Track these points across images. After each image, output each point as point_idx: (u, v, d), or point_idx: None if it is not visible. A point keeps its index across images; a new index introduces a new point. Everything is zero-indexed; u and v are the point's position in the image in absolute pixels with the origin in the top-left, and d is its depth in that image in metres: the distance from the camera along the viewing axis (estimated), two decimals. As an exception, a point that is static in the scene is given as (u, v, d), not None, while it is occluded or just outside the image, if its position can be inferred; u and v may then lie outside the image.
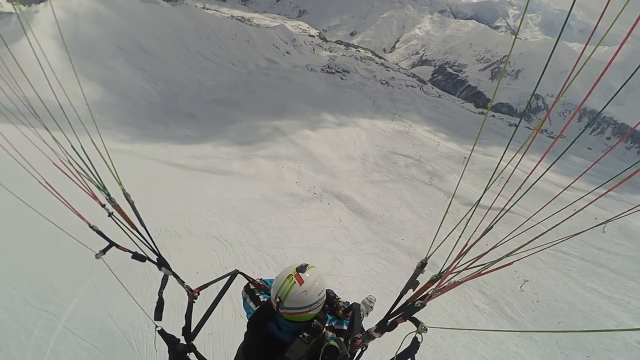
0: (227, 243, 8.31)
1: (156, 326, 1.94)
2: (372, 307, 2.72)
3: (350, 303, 2.26)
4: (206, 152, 17.51)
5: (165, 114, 25.39)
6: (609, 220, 1.36)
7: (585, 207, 1.44)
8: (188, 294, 2.11)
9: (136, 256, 1.95)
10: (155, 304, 2.01)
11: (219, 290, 2.24)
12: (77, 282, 6.29)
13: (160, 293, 1.98)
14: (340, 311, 2.20)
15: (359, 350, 2.02)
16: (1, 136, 1.93)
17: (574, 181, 1.37)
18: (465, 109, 44.14)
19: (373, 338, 1.90)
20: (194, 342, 2.01)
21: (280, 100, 27.17)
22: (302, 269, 1.89)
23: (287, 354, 1.74)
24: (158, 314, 2.01)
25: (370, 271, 8.89)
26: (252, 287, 2.32)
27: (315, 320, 1.89)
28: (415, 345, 1.68)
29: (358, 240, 10.31)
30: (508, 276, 9.78)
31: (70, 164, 1.63)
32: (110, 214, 1.85)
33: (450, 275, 1.52)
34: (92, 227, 1.83)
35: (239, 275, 2.30)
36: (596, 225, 1.76)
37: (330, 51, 62.98)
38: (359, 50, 74.32)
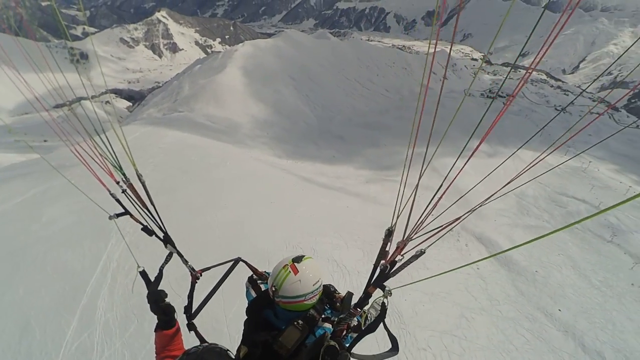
0: (345, 270, 7.93)
1: (138, 266, 2.01)
2: (379, 311, 2.55)
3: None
4: (347, 172, 18.00)
5: (319, 135, 27.62)
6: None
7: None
8: (191, 274, 2.17)
9: (145, 229, 2.05)
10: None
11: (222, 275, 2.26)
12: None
13: (161, 268, 2.06)
14: (339, 304, 2.20)
15: (351, 335, 2.02)
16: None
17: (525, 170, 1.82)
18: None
19: (354, 315, 1.94)
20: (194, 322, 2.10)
21: (429, 125, 25.97)
22: (298, 259, 1.98)
23: (280, 338, 1.81)
24: (155, 286, 2.09)
25: (506, 342, 6.94)
26: (255, 277, 2.35)
27: (311, 310, 1.94)
28: (383, 309, 1.87)
29: (496, 298, 8.34)
30: None
31: (94, 148, 1.85)
32: (123, 191, 1.96)
33: (412, 243, 1.63)
34: (111, 194, 1.98)
35: (247, 275, 2.33)
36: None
37: (494, 74, 57.37)
38: (529, 73, 65.18)
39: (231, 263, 2.35)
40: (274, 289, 1.93)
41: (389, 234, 1.85)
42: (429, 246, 1.66)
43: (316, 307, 1.99)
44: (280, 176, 14.30)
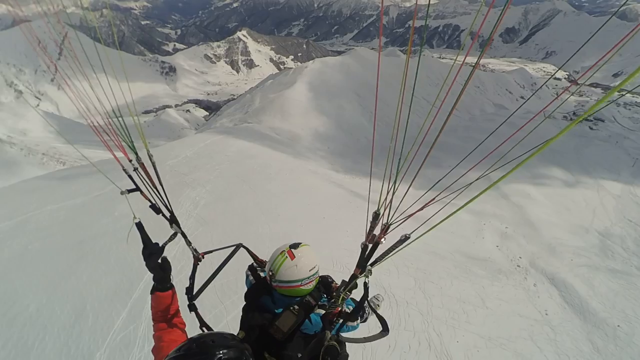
0: (394, 300, 7.30)
1: (134, 216, 2.01)
2: (378, 306, 2.72)
3: None
4: (408, 193, 17.34)
5: (379, 153, 27.21)
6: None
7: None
8: (194, 255, 2.21)
9: (153, 207, 2.09)
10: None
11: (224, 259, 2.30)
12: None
13: (163, 246, 2.10)
14: (335, 293, 2.18)
15: (342, 322, 2.01)
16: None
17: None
18: None
19: (344, 299, 1.98)
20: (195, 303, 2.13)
21: (500, 148, 24.11)
22: (295, 246, 2.03)
23: (276, 322, 1.85)
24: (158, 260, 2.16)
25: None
26: (255, 265, 2.37)
27: (307, 297, 1.97)
28: (365, 289, 1.91)
29: (566, 352, 7.03)
30: None
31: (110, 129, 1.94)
32: (135, 169, 2.05)
33: (394, 225, 1.75)
34: (124, 169, 2.06)
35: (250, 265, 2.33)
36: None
37: (581, 95, 52.06)
38: (622, 94, 58.06)
39: (233, 248, 2.40)
40: (271, 273, 1.98)
41: (376, 217, 1.86)
42: (413, 231, 1.68)
43: (312, 294, 2.02)
44: (335, 192, 14.22)
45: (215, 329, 1.92)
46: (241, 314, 2.07)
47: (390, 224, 1.78)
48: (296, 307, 1.91)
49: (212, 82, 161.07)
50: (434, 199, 1.68)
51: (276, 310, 1.96)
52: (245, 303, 2.12)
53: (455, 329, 6.89)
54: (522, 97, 47.81)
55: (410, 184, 1.89)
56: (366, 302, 2.04)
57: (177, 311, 2.09)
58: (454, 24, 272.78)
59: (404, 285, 8.01)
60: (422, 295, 7.72)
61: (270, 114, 31.46)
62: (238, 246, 2.43)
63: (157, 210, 2.14)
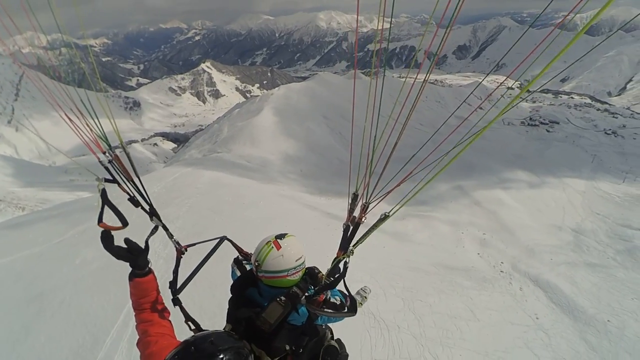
0: (384, 325, 6.95)
1: (98, 178, 1.90)
2: (366, 298, 2.80)
3: None
4: (383, 208, 17.37)
5: (355, 171, 27.41)
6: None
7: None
8: (177, 249, 2.15)
9: (132, 200, 1.98)
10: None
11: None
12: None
13: (146, 240, 2.01)
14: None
15: (325, 311, 1.98)
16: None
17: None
18: None
19: (327, 285, 1.97)
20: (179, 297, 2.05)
21: (467, 157, 24.94)
22: (280, 236, 2.01)
23: (263, 314, 1.82)
24: (142, 259, 2.03)
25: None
26: (240, 258, 2.35)
27: (294, 288, 1.94)
28: (344, 268, 1.97)
29: (563, 355, 6.96)
30: None
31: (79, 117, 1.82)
32: (110, 161, 1.95)
33: (373, 204, 1.84)
34: (100, 162, 1.98)
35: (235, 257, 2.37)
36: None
37: (534, 102, 55.51)
38: (572, 97, 62.26)
39: (217, 241, 2.37)
40: (257, 264, 1.96)
41: (355, 198, 1.91)
42: (392, 210, 1.73)
43: (299, 285, 1.99)
44: (312, 215, 13.99)
45: (201, 323, 1.96)
46: (227, 306, 2.05)
47: (369, 203, 1.81)
48: (283, 298, 1.89)
49: (179, 114, 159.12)
50: (410, 172, 1.74)
51: (263, 303, 1.94)
52: (231, 296, 2.09)
53: (451, 349, 6.67)
54: (480, 108, 50.25)
55: (385, 166, 1.93)
56: (345, 286, 2.09)
57: (159, 298, 1.96)
58: (409, 45, 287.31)
59: (393, 307, 7.74)
60: (412, 316, 7.49)
61: (239, 142, 31.19)
62: (222, 239, 2.40)
63: (136, 204, 2.03)
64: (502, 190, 17.92)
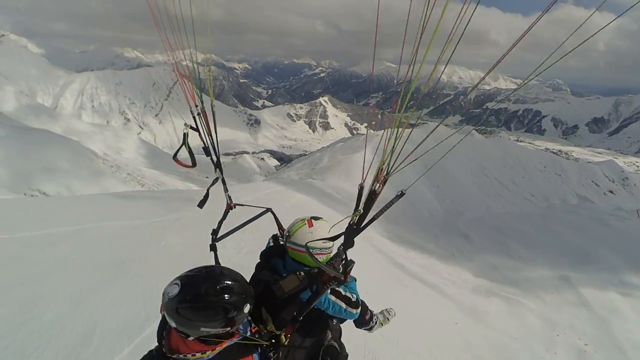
0: None
1: (186, 124, 2.28)
2: (388, 320, 2.86)
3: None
4: (464, 278, 15.56)
5: (441, 229, 25.56)
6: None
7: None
8: (227, 203, 2.40)
9: (205, 149, 2.30)
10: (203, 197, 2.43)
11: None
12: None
13: (208, 189, 2.36)
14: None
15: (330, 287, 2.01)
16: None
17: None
18: None
19: (342, 257, 2.03)
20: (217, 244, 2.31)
21: (583, 245, 20.96)
22: (316, 218, 2.20)
23: (281, 282, 1.96)
24: (202, 204, 2.42)
25: None
26: (278, 234, 2.45)
27: (316, 269, 2.02)
28: (351, 230, 1.96)
29: None
30: None
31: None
32: (198, 114, 2.25)
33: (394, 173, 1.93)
34: (191, 111, 2.29)
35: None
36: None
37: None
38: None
39: (262, 210, 2.58)
40: (287, 234, 2.16)
41: (361, 189, 1.98)
42: (407, 188, 1.76)
43: (321, 270, 2.02)
44: (382, 262, 13.31)
45: None
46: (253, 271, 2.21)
47: (390, 174, 1.86)
48: (302, 273, 1.99)
49: (289, 137, 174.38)
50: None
51: (284, 274, 2.04)
52: (259, 261, 2.28)
53: None
54: (610, 192, 42.69)
55: (411, 131, 1.89)
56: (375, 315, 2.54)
57: None
58: (534, 109, 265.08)
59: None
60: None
61: (334, 173, 32.00)
62: (267, 210, 2.60)
63: (208, 153, 2.33)
64: (620, 296, 14.30)
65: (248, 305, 1.61)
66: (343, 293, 2.14)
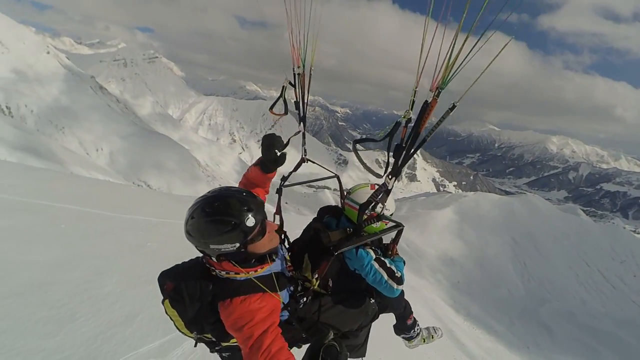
0: None
1: (285, 81, 2.50)
2: (432, 338, 2.86)
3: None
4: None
5: (520, 312, 22.49)
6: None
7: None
8: (302, 157, 2.51)
9: (297, 104, 2.50)
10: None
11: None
12: None
13: (289, 139, 2.30)
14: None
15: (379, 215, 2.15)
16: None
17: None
18: None
19: (388, 187, 2.10)
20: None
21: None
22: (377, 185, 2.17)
23: (329, 232, 2.07)
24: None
25: None
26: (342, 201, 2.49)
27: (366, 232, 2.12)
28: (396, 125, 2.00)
29: None
30: None
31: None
32: (298, 74, 2.45)
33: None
34: (293, 70, 2.47)
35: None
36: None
37: None
38: None
39: (329, 174, 2.79)
40: (349, 191, 2.31)
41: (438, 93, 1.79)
42: (458, 100, 1.67)
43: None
44: (444, 343, 11.38)
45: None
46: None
47: (442, 88, 1.70)
48: (351, 230, 2.10)
49: (372, 182, 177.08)
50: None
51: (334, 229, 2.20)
52: (316, 216, 2.46)
53: None
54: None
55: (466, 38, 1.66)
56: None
57: (267, 189, 2.28)
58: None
59: None
60: None
61: (410, 226, 30.82)
62: (335, 175, 2.81)
63: (297, 106, 2.53)
64: None
65: (250, 217, 1.61)
66: (387, 265, 2.13)
